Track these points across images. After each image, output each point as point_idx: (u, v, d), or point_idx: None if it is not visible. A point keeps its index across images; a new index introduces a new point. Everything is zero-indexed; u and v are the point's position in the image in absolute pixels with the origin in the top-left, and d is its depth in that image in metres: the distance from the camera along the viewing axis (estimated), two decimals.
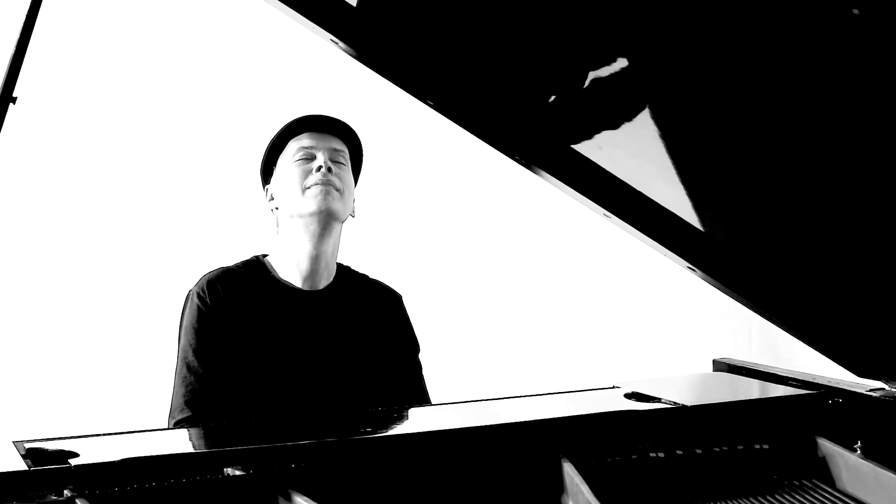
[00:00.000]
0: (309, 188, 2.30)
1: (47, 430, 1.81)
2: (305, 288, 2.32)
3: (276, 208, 2.37)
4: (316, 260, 2.32)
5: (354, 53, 1.76)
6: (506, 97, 1.84)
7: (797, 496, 1.83)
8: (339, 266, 2.40)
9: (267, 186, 2.41)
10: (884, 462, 1.79)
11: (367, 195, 3.29)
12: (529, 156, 1.87)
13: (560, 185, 1.89)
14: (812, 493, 1.84)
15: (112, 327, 3.41)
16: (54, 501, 1.55)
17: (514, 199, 3.75)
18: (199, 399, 2.22)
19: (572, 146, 1.84)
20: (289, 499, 1.63)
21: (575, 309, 3.86)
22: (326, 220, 2.30)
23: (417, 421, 2.08)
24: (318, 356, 2.29)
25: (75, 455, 1.63)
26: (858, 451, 1.88)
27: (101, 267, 3.45)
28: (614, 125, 1.80)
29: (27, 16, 1.66)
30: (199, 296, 2.28)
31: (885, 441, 1.91)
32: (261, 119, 3.48)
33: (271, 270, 2.35)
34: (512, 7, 1.64)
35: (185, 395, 2.23)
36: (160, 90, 3.49)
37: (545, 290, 3.85)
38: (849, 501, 1.80)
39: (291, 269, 2.33)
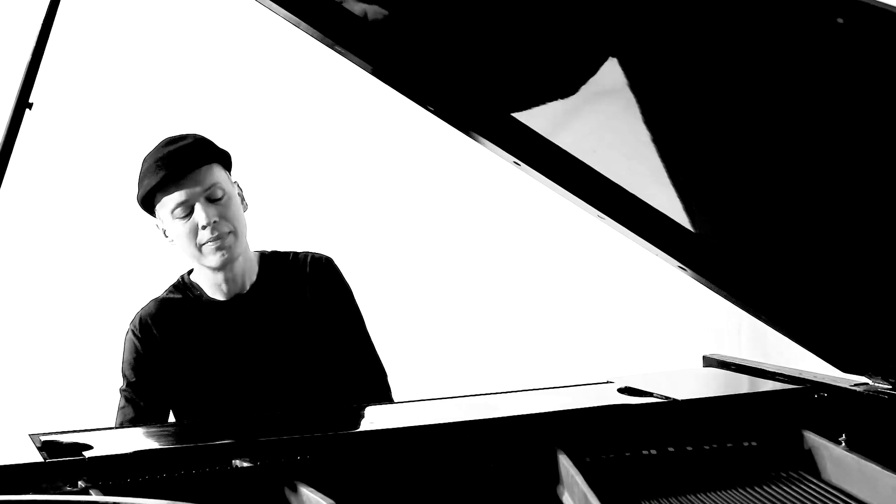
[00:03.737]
0: (203, 244, 2.25)
1: (62, 423, 1.84)
2: (231, 297, 2.33)
3: (177, 247, 2.32)
4: (232, 281, 2.32)
5: (362, 64, 1.78)
6: (504, 103, 1.86)
7: (784, 487, 1.85)
8: (263, 255, 2.38)
9: (157, 222, 2.32)
10: (867, 454, 1.80)
11: (370, 196, 3.33)
12: (526, 158, 1.87)
13: (555, 187, 1.90)
14: (798, 484, 1.86)
15: (124, 325, 3.43)
16: (69, 492, 1.57)
17: (511, 201, 3.75)
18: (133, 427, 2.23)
19: (567, 150, 1.85)
20: (295, 490, 1.66)
21: (571, 307, 3.86)
22: (230, 263, 2.29)
23: (418, 414, 2.08)
24: (262, 359, 2.31)
25: (89, 447, 1.66)
26: (843, 444, 1.89)
27: (112, 267, 3.48)
28: (608, 130, 1.81)
29: (43, 23, 1.67)
30: (134, 335, 2.31)
31: (869, 434, 1.92)
32: (264, 123, 3.51)
33: (197, 289, 2.35)
34: (511, 14, 1.66)
35: (121, 425, 2.24)
36: (160, 93, 3.51)
37: (542, 290, 3.86)
38: (833, 492, 1.81)
39: (213, 288, 2.34)
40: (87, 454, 1.63)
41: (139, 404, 2.27)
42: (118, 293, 3.46)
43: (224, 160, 2.32)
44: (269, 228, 3.13)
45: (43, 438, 1.70)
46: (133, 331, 2.32)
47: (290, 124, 3.44)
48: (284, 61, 3.58)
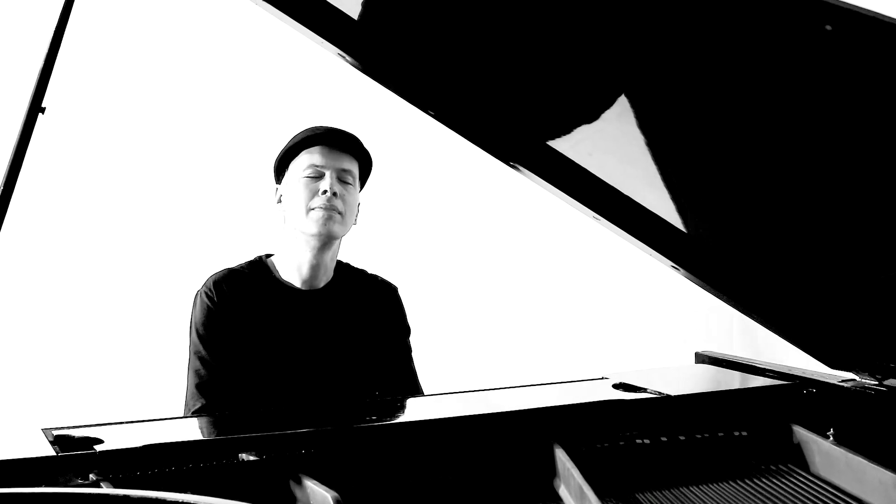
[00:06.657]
0: (313, 209, 2.35)
1: (74, 418, 1.85)
2: (305, 288, 2.41)
3: (284, 211, 2.44)
4: (315, 267, 2.40)
5: (360, 66, 1.81)
6: (503, 107, 1.89)
7: (773, 480, 1.88)
8: (339, 263, 2.47)
9: (278, 186, 2.46)
10: (854, 448, 1.84)
11: (373, 196, 3.33)
12: (524, 161, 1.91)
13: (551, 188, 1.93)
14: (787, 477, 1.90)
15: (134, 322, 3.46)
16: (80, 485, 1.59)
17: (509, 202, 3.77)
18: (210, 386, 2.31)
19: (564, 153, 1.88)
20: (299, 483, 1.69)
21: (567, 305, 3.88)
22: (326, 241, 2.38)
23: (419, 410, 2.13)
24: (315, 351, 2.37)
25: (100, 441, 1.68)
26: (831, 438, 1.93)
27: (123, 266, 3.50)
28: (604, 134, 1.83)
29: (56, 28, 1.70)
30: (206, 295, 2.37)
31: (856, 428, 1.96)
32: (267, 126, 3.54)
33: (273, 271, 2.42)
34: (511, 22, 1.68)
35: (197, 385, 2.32)
36: (169, 97, 3.53)
37: (539, 288, 3.87)
38: (822, 485, 1.85)
39: (292, 271, 2.41)
40: (98, 448, 1.65)
41: (211, 363, 2.32)
42: (130, 290, 3.50)
43: (365, 169, 2.46)
44: (269, 229, 3.16)
45: (55, 433, 1.72)
46: (206, 291, 2.38)
47: (290, 124, 3.47)
48: (285, 64, 3.61)
